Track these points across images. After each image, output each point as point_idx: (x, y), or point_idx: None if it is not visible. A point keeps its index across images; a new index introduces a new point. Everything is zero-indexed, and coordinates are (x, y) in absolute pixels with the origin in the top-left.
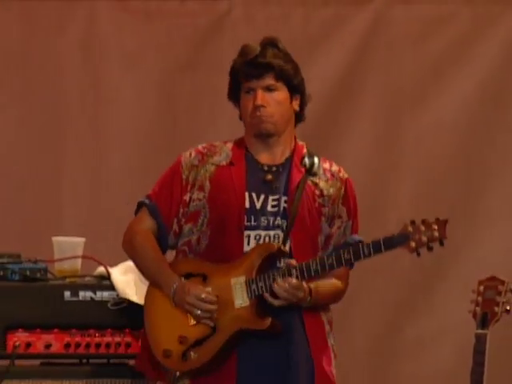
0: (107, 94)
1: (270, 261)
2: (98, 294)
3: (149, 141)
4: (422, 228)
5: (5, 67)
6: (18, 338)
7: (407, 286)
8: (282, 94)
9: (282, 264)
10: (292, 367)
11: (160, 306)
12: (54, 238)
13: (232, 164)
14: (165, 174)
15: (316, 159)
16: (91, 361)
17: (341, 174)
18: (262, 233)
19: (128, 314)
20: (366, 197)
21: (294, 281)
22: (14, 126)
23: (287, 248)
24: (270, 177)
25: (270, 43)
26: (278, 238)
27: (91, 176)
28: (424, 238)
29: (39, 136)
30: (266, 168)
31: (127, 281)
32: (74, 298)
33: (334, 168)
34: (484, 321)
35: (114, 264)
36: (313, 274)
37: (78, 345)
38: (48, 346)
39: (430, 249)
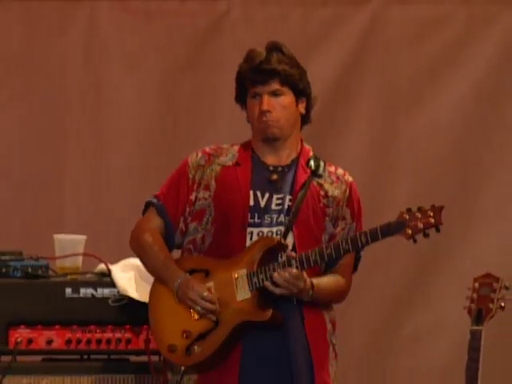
0: (108, 94)
1: (271, 254)
2: (99, 290)
3: (149, 140)
4: (418, 215)
5: (6, 67)
6: (20, 334)
7: (404, 283)
8: (287, 98)
9: (283, 258)
10: (290, 362)
11: (165, 302)
12: (56, 236)
13: (238, 164)
14: (172, 175)
15: (322, 162)
16: (92, 357)
17: (346, 177)
18: (265, 230)
19: (128, 311)
20: (363, 197)
21: (294, 270)
22: (16, 125)
23: (290, 244)
24: (275, 176)
25: (275, 48)
26: (281, 233)
27: (92, 175)
28: (420, 225)
29: (41, 135)
30: (271, 168)
31: (128, 278)
32: (75, 295)
33: (339, 171)
34: (479, 317)
35: (115, 261)
36: (312, 264)
37: (79, 341)
38: (49, 342)
39: (426, 235)
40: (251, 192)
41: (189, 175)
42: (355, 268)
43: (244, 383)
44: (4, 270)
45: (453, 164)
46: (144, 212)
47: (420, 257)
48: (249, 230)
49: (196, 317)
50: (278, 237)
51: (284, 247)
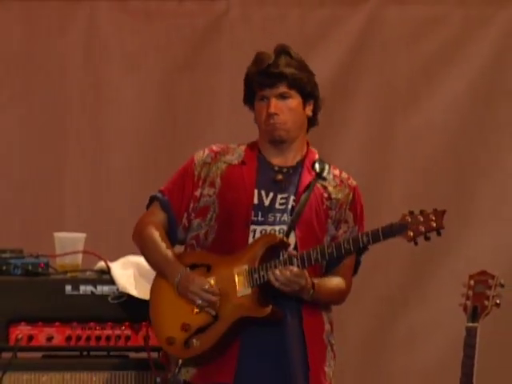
0: (107, 94)
1: (273, 252)
2: (99, 288)
3: (148, 139)
4: (420, 218)
5: (6, 67)
6: (21, 331)
7: (400, 281)
8: (295, 101)
9: (284, 255)
10: (287, 360)
11: (165, 295)
12: (56, 234)
13: (244, 163)
14: (178, 171)
15: (327, 165)
16: (92, 353)
17: (349, 181)
18: (268, 228)
19: (128, 308)
20: None
21: (295, 269)
22: (16, 125)
23: (292, 244)
24: (280, 177)
25: (283, 51)
26: (283, 232)
27: (92, 174)
28: (422, 228)
29: (41, 135)
30: (276, 168)
31: (127, 275)
32: (75, 292)
33: (344, 175)
34: (474, 314)
35: (114, 259)
36: (313, 262)
37: (78, 338)
38: (50, 339)
39: (427, 238)
40: (256, 191)
41: (194, 172)
42: (355, 271)
43: (241, 378)
44: (5, 267)
45: (448, 164)
46: (148, 206)
47: (416, 255)
48: (252, 227)
49: (196, 311)
50: (281, 235)
51: (286, 245)
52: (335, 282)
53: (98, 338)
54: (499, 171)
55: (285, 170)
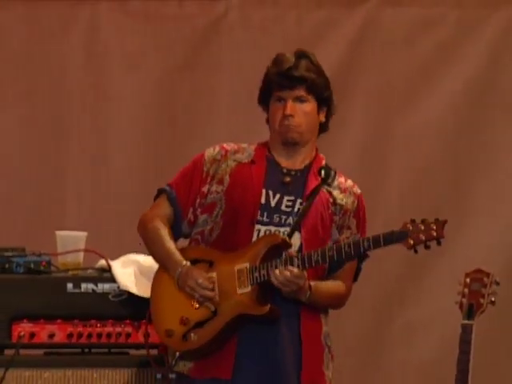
0: (108, 94)
1: (275, 252)
2: (100, 286)
3: (149, 139)
4: (421, 227)
5: (9, 68)
6: (23, 329)
7: (397, 279)
8: (310, 105)
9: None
10: (278, 358)
11: (166, 288)
12: (58, 233)
13: (253, 162)
14: (187, 166)
15: (332, 172)
16: (93, 350)
17: (354, 189)
18: (273, 228)
19: (128, 306)
20: None
21: (295, 270)
22: (18, 124)
23: (296, 246)
24: (288, 179)
25: (303, 55)
26: (287, 234)
27: (93, 173)
28: (422, 237)
29: (43, 134)
30: (285, 171)
31: (127, 273)
32: (77, 290)
33: (349, 183)
34: (470, 312)
35: (115, 257)
36: (314, 264)
37: (80, 335)
38: (51, 336)
39: (427, 247)
40: (263, 190)
41: (203, 168)
42: (355, 279)
43: (239, 374)
44: (7, 265)
45: (445, 163)
46: (155, 199)
47: (413, 254)
48: (257, 226)
49: (196, 305)
50: (284, 236)
51: (288, 246)
52: (334, 285)
53: (99, 336)
54: (496, 170)
55: (293, 172)
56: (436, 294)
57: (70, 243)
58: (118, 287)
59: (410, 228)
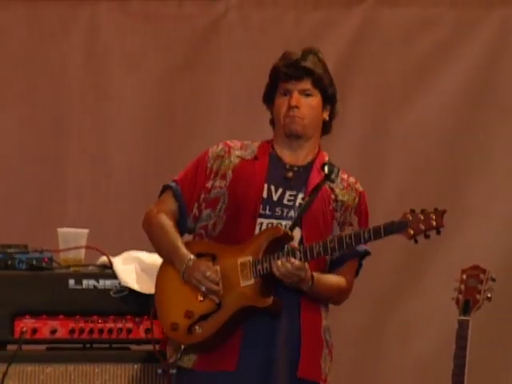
0: (108, 93)
1: (277, 245)
2: (101, 282)
3: (148, 138)
4: (421, 217)
5: (9, 67)
6: (25, 324)
7: (394, 275)
8: (316, 99)
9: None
10: (280, 349)
11: (171, 282)
12: (59, 230)
13: (256, 159)
14: (192, 162)
15: (335, 169)
16: (94, 346)
17: (356, 186)
18: (275, 222)
19: (129, 302)
20: None
21: (296, 262)
22: (18, 124)
23: (297, 240)
24: (290, 174)
25: (311, 51)
26: (289, 227)
27: (93, 172)
28: (422, 226)
29: (43, 133)
30: (288, 166)
31: (129, 270)
32: (78, 286)
33: (351, 180)
34: (466, 308)
35: (116, 254)
36: (315, 255)
37: (81, 330)
38: (53, 332)
39: (427, 237)
40: (265, 185)
41: (207, 164)
42: (356, 274)
43: (243, 366)
44: (10, 262)
45: (441, 162)
46: (161, 194)
47: (410, 250)
48: (259, 220)
49: (200, 298)
50: (286, 229)
51: (290, 238)
52: (335, 279)
53: (101, 331)
54: (491, 169)
55: (295, 168)
56: (433, 290)
57: (72, 240)
58: (120, 284)
59: (410, 218)
